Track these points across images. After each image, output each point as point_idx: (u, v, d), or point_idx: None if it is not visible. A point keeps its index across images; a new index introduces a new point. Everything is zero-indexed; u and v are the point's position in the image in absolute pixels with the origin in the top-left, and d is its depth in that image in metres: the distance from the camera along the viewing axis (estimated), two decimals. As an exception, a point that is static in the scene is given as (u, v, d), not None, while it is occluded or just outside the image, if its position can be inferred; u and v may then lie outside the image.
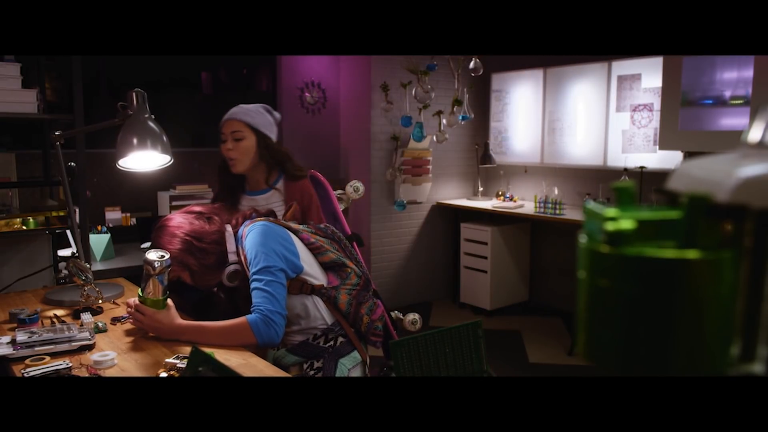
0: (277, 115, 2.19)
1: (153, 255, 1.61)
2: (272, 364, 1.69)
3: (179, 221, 1.75)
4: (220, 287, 1.79)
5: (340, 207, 2.35)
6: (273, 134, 2.15)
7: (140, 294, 1.63)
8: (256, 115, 2.10)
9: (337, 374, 1.73)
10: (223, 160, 2.14)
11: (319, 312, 1.72)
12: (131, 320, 1.68)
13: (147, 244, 3.54)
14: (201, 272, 1.72)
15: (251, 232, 1.69)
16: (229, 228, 1.76)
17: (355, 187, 2.05)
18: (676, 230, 0.35)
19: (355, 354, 1.77)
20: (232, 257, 1.73)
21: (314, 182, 2.21)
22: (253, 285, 1.62)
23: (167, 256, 1.63)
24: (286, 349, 1.73)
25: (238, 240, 1.75)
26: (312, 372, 1.72)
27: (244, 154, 2.09)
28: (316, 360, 1.72)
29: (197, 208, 1.80)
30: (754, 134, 0.40)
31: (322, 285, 1.73)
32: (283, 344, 1.73)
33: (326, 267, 1.78)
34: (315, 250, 1.77)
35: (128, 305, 1.71)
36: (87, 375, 1.37)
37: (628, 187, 0.37)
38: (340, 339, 1.74)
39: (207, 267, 1.72)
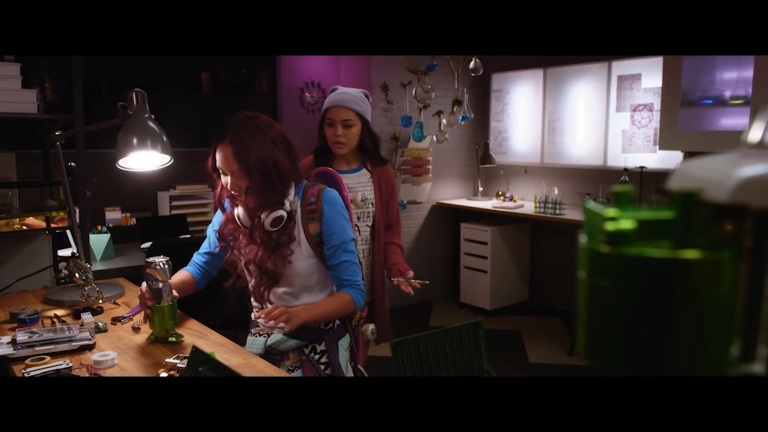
0: (369, 95, 2.36)
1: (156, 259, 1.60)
2: (264, 352, 1.69)
3: (280, 134, 1.65)
4: (255, 229, 1.66)
5: None
6: (370, 119, 2.33)
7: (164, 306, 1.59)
8: (362, 103, 2.26)
9: (339, 356, 1.77)
10: (323, 143, 2.28)
11: (330, 287, 1.76)
12: (275, 321, 1.57)
13: (147, 245, 3.55)
14: (250, 193, 1.60)
15: (331, 198, 1.72)
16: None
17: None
18: (676, 230, 0.35)
19: (347, 336, 1.82)
20: (287, 205, 1.66)
21: (327, 179, 2.25)
22: (344, 257, 1.70)
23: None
24: (284, 333, 1.70)
25: (299, 190, 1.71)
26: (317, 356, 1.73)
27: (351, 140, 2.24)
28: (318, 343, 1.73)
29: (287, 137, 1.70)
30: (754, 134, 0.40)
31: None
32: (278, 331, 1.71)
33: None
34: None
35: (273, 314, 1.56)
36: (87, 375, 1.37)
37: (627, 191, 0.37)
38: (337, 321, 1.77)
39: (258, 194, 1.60)
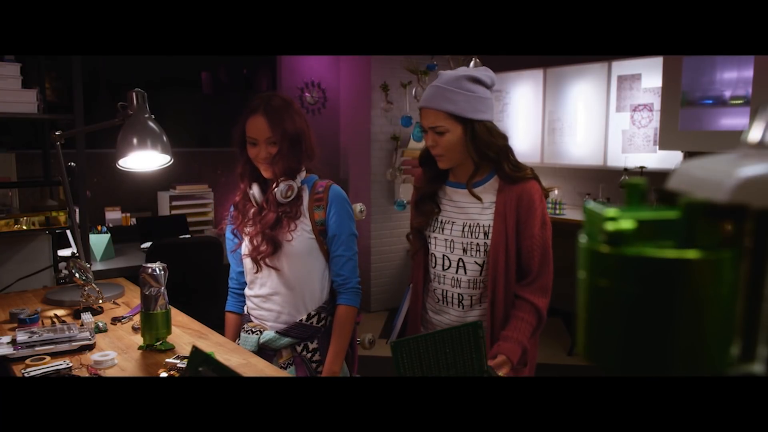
0: (488, 77, 1.63)
1: (153, 265, 1.57)
2: (257, 349, 1.72)
3: (301, 110, 1.79)
4: (267, 202, 1.74)
5: None
6: (486, 112, 1.62)
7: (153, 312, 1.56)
8: (458, 96, 1.58)
9: None
10: (426, 151, 1.70)
11: (326, 282, 1.77)
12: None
13: (147, 245, 3.54)
14: (278, 159, 1.69)
15: (337, 192, 1.77)
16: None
17: (361, 209, 2.03)
18: (676, 230, 0.35)
19: None
20: (298, 181, 1.74)
21: None
22: (340, 251, 1.74)
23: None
24: (277, 331, 1.73)
25: (308, 181, 1.78)
26: (309, 354, 1.73)
27: (450, 149, 1.62)
28: (310, 341, 1.74)
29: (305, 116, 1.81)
30: (754, 134, 0.40)
31: None
32: (271, 328, 1.74)
33: None
34: None
35: None
36: (87, 375, 1.37)
37: (640, 184, 0.37)
38: (330, 318, 1.77)
39: (285, 160, 1.70)
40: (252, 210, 1.78)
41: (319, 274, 1.75)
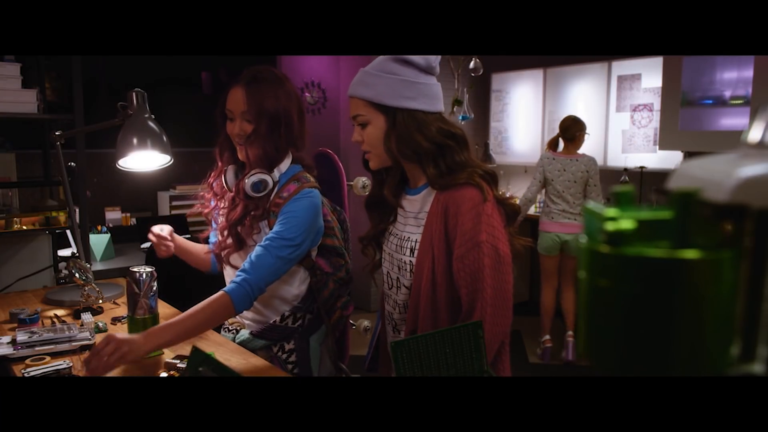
0: (421, 57, 1.39)
1: (140, 269, 1.53)
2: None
3: (295, 93, 1.61)
4: (237, 192, 1.57)
5: None
6: (415, 99, 1.33)
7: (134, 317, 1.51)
8: (379, 81, 1.33)
9: (311, 353, 1.69)
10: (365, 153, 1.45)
11: (301, 287, 1.66)
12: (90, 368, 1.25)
13: (147, 245, 3.54)
14: (253, 140, 1.53)
15: (302, 199, 1.53)
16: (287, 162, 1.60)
17: (364, 183, 1.89)
18: (673, 230, 0.35)
19: (323, 329, 1.73)
20: (276, 175, 1.57)
21: (325, 162, 1.88)
22: (266, 241, 1.49)
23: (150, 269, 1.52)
24: (251, 332, 1.67)
25: (288, 174, 1.61)
26: (284, 355, 1.66)
27: (374, 145, 1.36)
28: (286, 342, 1.67)
29: (301, 101, 1.63)
30: (754, 134, 0.40)
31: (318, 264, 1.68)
32: (247, 327, 1.69)
33: (321, 249, 1.69)
34: (325, 230, 1.68)
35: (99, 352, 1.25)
36: (87, 375, 1.37)
37: (628, 191, 0.37)
38: (308, 316, 1.68)
39: (261, 143, 1.52)
40: (226, 195, 1.65)
41: (289, 276, 1.62)
